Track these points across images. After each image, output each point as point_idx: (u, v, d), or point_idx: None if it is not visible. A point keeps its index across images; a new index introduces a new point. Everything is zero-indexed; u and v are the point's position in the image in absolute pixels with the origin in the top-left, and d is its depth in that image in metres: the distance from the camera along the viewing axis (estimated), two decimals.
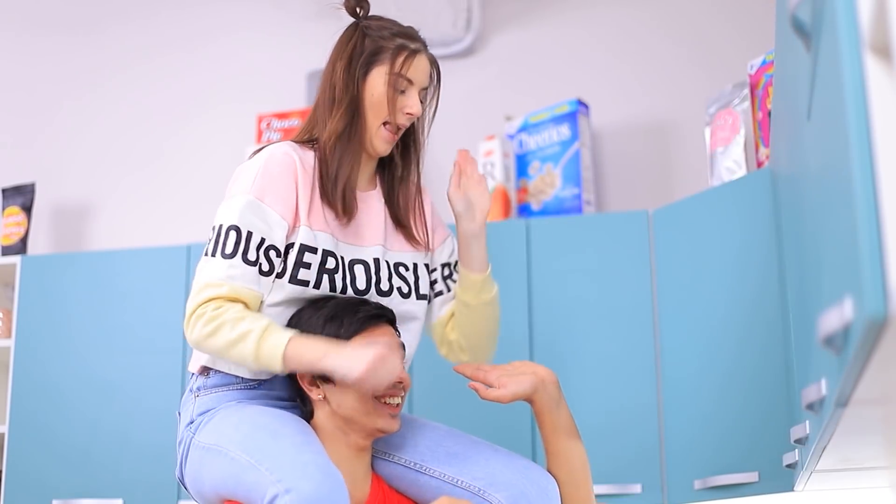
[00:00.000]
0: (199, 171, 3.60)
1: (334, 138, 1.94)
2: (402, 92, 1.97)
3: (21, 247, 3.39)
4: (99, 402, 3.09)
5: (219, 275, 1.84)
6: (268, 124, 3.37)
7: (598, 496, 2.75)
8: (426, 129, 2.09)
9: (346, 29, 2.03)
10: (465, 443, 1.98)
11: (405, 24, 2.05)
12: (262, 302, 1.90)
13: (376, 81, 1.96)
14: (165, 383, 3.05)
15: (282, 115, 3.37)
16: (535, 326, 2.90)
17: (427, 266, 2.08)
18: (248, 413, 1.85)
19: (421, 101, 2.00)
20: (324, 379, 1.87)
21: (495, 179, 3.19)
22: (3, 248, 3.41)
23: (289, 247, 1.90)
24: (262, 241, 1.86)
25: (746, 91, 2.80)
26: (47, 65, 3.81)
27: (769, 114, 2.59)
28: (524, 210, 3.20)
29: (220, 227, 1.88)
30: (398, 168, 2.08)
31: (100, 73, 3.77)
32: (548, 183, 3.16)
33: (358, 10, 2.03)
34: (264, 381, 1.94)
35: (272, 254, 1.87)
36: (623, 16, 3.44)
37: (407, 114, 1.98)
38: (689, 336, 2.74)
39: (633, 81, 3.39)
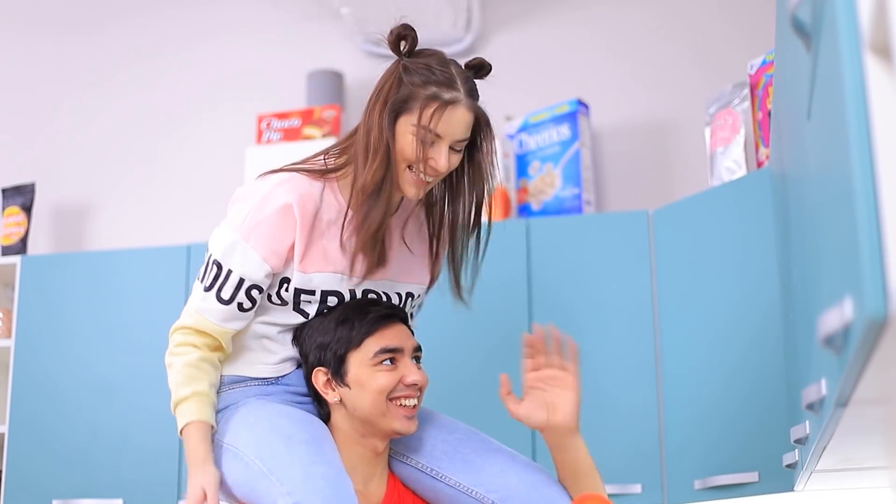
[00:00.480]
0: (200, 171, 3.60)
1: (370, 189, 1.85)
2: (431, 144, 1.85)
3: (21, 247, 3.39)
4: (99, 402, 3.08)
5: (195, 304, 1.91)
6: (268, 124, 3.37)
7: None
8: (485, 174, 1.95)
9: (389, 66, 1.89)
10: (484, 450, 1.97)
11: (449, 56, 1.91)
12: (241, 329, 1.93)
13: (403, 130, 1.84)
14: (165, 383, 3.05)
15: (282, 115, 3.37)
16: None
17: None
18: (266, 413, 1.86)
19: (459, 150, 1.88)
20: (339, 381, 1.88)
21: None
22: (3, 248, 3.40)
23: (286, 280, 1.91)
24: (242, 280, 1.87)
25: (746, 91, 2.80)
26: (47, 65, 3.80)
27: (769, 114, 2.59)
28: (524, 210, 3.19)
29: (210, 256, 1.91)
30: (445, 218, 2.00)
31: (100, 73, 3.77)
32: (548, 183, 3.16)
33: (402, 44, 1.87)
34: (283, 376, 1.96)
35: (254, 292, 1.89)
36: (623, 16, 3.44)
37: (431, 167, 1.85)
38: (689, 336, 2.73)
39: (633, 81, 3.39)
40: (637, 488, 2.75)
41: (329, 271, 1.90)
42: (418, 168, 1.85)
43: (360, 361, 1.87)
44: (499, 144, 3.21)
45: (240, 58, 3.69)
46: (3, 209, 3.47)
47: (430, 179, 1.88)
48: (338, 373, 1.89)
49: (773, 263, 2.47)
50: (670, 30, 3.39)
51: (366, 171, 1.85)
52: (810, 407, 1.34)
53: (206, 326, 1.89)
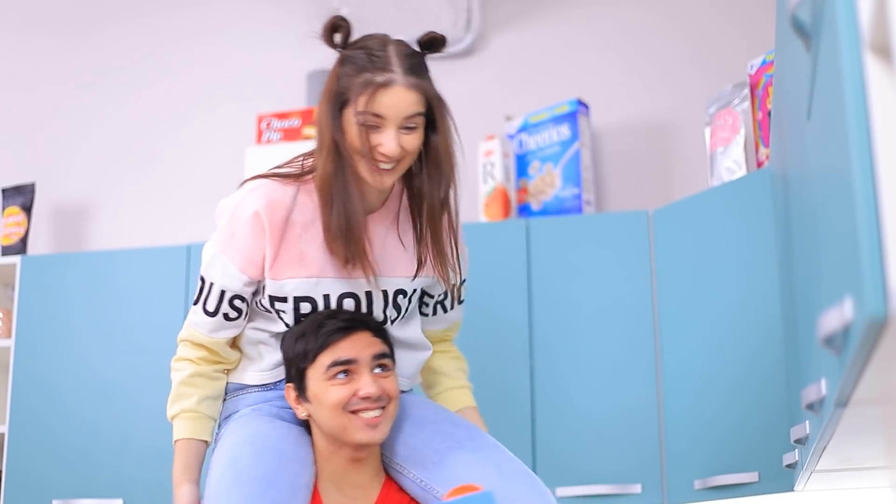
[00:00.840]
0: (200, 171, 3.60)
1: (325, 184, 1.85)
2: (377, 130, 1.80)
3: (21, 247, 3.39)
4: (99, 402, 3.08)
5: (189, 317, 1.97)
6: (268, 124, 3.37)
7: (597, 497, 2.76)
8: (443, 153, 1.87)
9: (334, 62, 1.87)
10: (472, 460, 1.90)
11: (396, 36, 1.86)
12: (234, 336, 1.96)
13: (348, 122, 1.81)
14: (165, 384, 3.03)
15: (282, 115, 3.37)
16: (535, 326, 2.89)
17: (421, 290, 2.02)
18: (241, 436, 1.89)
19: (413, 128, 1.82)
20: (304, 397, 1.89)
21: (495, 179, 3.19)
22: (3, 248, 3.40)
23: (264, 287, 1.91)
24: (223, 292, 1.91)
25: (746, 91, 2.80)
26: (47, 65, 3.80)
27: (769, 114, 2.59)
28: (524, 210, 3.19)
29: (200, 270, 1.96)
30: (423, 198, 1.92)
31: (100, 73, 3.76)
32: (548, 183, 3.16)
33: (335, 36, 1.84)
34: (280, 380, 1.97)
35: (237, 302, 1.91)
36: (623, 15, 3.44)
37: (381, 153, 1.81)
38: (689, 336, 2.73)
39: (633, 81, 3.39)
40: (637, 488, 2.74)
41: (302, 276, 1.89)
42: (369, 156, 1.81)
43: (316, 377, 1.86)
44: (499, 144, 3.23)
45: (240, 58, 3.69)
46: (3, 209, 3.47)
47: (388, 166, 1.83)
48: (301, 389, 1.89)
49: (773, 263, 2.47)
50: (670, 30, 3.39)
51: (320, 167, 1.85)
52: (810, 407, 1.34)
53: (199, 338, 1.94)
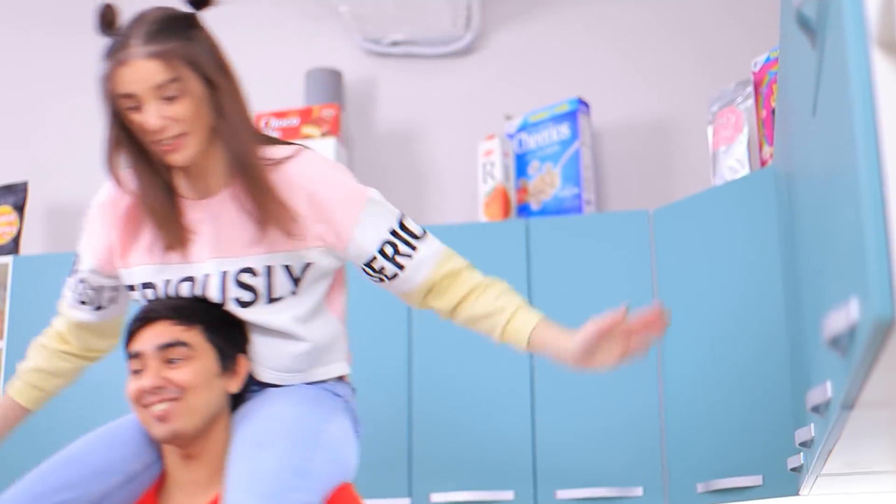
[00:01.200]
0: None
1: (133, 174, 1.86)
2: (139, 109, 1.75)
3: (13, 247, 3.38)
4: (96, 402, 3.07)
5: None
6: (266, 123, 3.35)
7: (598, 500, 2.75)
8: (227, 108, 1.86)
9: None
10: (239, 463, 1.76)
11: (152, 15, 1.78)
12: (83, 321, 2.04)
13: (121, 110, 1.78)
14: None
15: (280, 114, 3.36)
16: None
17: (292, 266, 1.86)
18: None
19: (174, 96, 1.75)
20: None
21: (495, 179, 3.18)
22: None
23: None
24: (80, 272, 2.00)
25: (750, 89, 2.79)
26: (40, 62, 3.80)
27: (773, 112, 2.57)
28: (524, 210, 3.18)
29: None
30: (232, 160, 1.84)
31: (92, 71, 3.75)
32: (548, 183, 3.15)
33: (107, 29, 1.79)
34: None
35: (82, 286, 2.01)
36: (624, 13, 3.43)
37: (150, 131, 1.75)
38: (691, 337, 2.72)
39: (634, 80, 3.37)
40: (639, 491, 2.73)
41: (147, 263, 1.90)
42: (145, 137, 1.77)
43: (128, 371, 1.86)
44: (498, 144, 3.21)
45: (238, 56, 3.65)
46: None
47: (169, 142, 1.76)
48: None
49: (777, 264, 2.46)
50: (672, 27, 3.38)
51: (118, 159, 1.86)
52: (815, 409, 1.34)
53: (62, 308, 2.05)
